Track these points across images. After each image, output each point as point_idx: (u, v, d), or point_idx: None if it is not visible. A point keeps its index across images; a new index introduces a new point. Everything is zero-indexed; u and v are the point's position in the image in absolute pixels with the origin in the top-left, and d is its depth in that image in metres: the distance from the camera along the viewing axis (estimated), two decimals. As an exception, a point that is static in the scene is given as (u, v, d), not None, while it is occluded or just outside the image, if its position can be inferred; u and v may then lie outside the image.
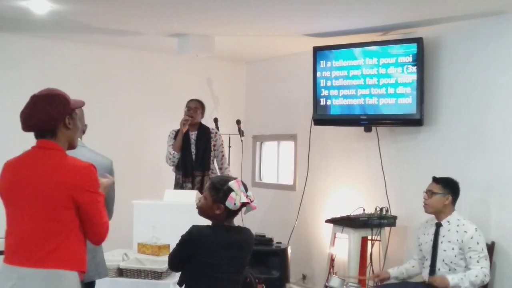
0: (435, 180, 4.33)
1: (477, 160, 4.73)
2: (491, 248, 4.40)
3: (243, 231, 3.09)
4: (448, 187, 4.28)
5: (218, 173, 5.65)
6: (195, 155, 5.61)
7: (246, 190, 2.98)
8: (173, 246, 4.40)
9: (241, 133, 6.28)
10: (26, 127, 2.57)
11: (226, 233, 2.96)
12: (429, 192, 4.29)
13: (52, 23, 5.18)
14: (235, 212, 2.99)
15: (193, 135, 5.65)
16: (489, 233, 4.50)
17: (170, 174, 5.78)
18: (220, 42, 5.75)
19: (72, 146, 2.67)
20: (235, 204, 2.90)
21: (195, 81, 6.87)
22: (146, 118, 6.53)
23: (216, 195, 2.95)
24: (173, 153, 5.57)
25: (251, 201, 2.96)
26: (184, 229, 4.59)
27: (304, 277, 6.25)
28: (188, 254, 2.94)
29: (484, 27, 4.70)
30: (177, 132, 5.64)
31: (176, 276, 4.13)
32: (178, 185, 5.60)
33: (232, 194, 2.91)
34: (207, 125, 5.81)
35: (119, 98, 6.36)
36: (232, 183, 2.95)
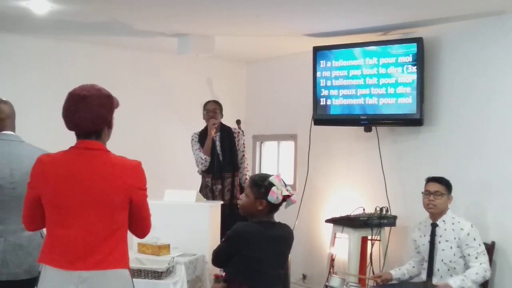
0: (438, 180, 4.29)
1: (477, 160, 4.73)
2: (491, 248, 4.40)
3: (285, 227, 3.24)
4: (449, 186, 4.30)
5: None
6: (222, 157, 5.61)
7: (285, 185, 3.10)
8: (173, 246, 4.44)
9: (241, 133, 6.28)
10: (75, 127, 2.49)
11: (270, 229, 3.09)
12: (437, 193, 4.25)
13: (52, 23, 5.18)
14: (276, 207, 3.11)
15: (216, 136, 5.65)
16: (489, 233, 4.50)
17: (170, 174, 5.78)
18: (220, 42, 5.75)
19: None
20: (277, 197, 3.02)
21: (195, 81, 6.87)
22: (146, 118, 6.53)
23: (258, 191, 3.08)
24: (205, 158, 5.54)
25: (292, 195, 3.07)
26: (184, 229, 4.61)
27: (304, 277, 6.25)
28: (234, 250, 3.02)
29: (484, 27, 4.70)
30: (200, 135, 5.64)
31: (176, 276, 4.15)
32: (207, 188, 5.56)
33: (274, 189, 3.05)
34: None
35: (119, 98, 6.30)
36: (272, 178, 3.09)
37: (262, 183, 3.09)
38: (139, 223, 2.60)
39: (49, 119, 5.39)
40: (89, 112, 2.48)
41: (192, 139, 5.69)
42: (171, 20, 5.11)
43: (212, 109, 5.66)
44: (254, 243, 3.02)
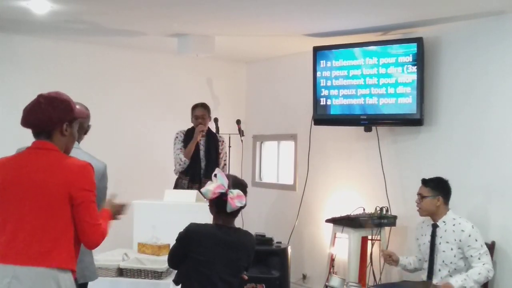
0: (424, 182, 4.33)
1: (477, 160, 4.73)
2: (491, 248, 4.40)
3: (242, 233, 3.08)
4: (438, 188, 4.28)
5: None
6: (206, 163, 5.59)
7: (236, 188, 2.95)
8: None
9: (241, 133, 6.28)
10: (24, 122, 2.59)
11: (222, 232, 2.96)
12: (419, 196, 4.29)
13: (52, 23, 5.18)
14: (221, 209, 2.94)
15: (201, 140, 5.63)
16: (489, 233, 4.50)
17: (170, 174, 5.77)
18: (220, 42, 5.75)
19: (65, 153, 2.66)
20: (204, 191, 2.94)
21: (195, 81, 6.87)
22: (146, 118, 6.53)
23: None
24: (184, 160, 5.53)
25: (226, 195, 2.91)
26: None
27: (304, 277, 6.25)
28: (184, 250, 2.94)
29: (484, 27, 4.70)
30: (185, 134, 5.62)
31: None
32: (182, 189, 5.55)
33: (209, 182, 2.96)
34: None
35: (119, 98, 6.36)
36: (217, 174, 2.98)
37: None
38: (82, 228, 2.53)
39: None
40: (37, 108, 2.56)
41: (176, 137, 5.66)
42: (171, 20, 5.11)
43: (201, 115, 5.60)
44: (204, 246, 2.92)
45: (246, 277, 3.13)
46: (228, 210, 2.94)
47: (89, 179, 2.57)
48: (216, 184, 2.92)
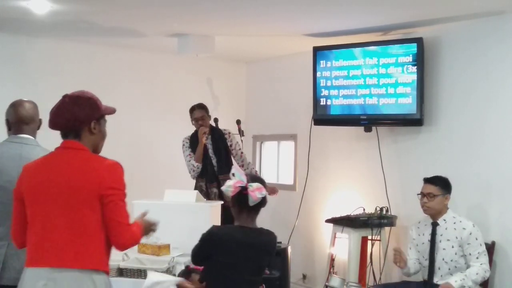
0: (432, 182, 4.31)
1: (477, 160, 4.73)
2: (491, 247, 4.41)
3: (264, 233, 3.11)
4: (446, 187, 4.29)
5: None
6: (217, 160, 5.53)
7: (255, 180, 2.99)
8: (173, 246, 4.43)
9: (241, 133, 6.27)
10: (52, 124, 2.58)
11: (244, 234, 2.99)
12: (430, 195, 4.27)
13: (52, 23, 5.18)
14: (244, 205, 2.97)
15: (208, 140, 5.59)
16: (490, 233, 4.50)
17: (170, 174, 5.78)
18: (220, 42, 5.75)
19: (95, 151, 2.65)
20: (225, 188, 2.95)
21: (195, 81, 6.87)
22: (146, 118, 6.53)
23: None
24: (197, 165, 5.47)
25: (246, 188, 2.94)
26: (184, 229, 4.60)
27: (304, 277, 6.25)
28: (207, 252, 2.98)
29: (484, 27, 4.70)
30: (191, 140, 5.58)
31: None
32: (202, 192, 5.43)
33: (228, 180, 2.97)
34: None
35: (119, 98, 6.33)
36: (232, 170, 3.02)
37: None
38: (113, 228, 2.51)
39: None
40: (63, 109, 2.56)
41: (183, 145, 5.61)
42: (171, 20, 5.10)
43: (200, 116, 5.54)
44: (226, 248, 2.94)
45: (268, 272, 3.17)
46: (251, 203, 2.96)
47: (118, 178, 2.54)
48: (235, 180, 2.95)
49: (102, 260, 2.53)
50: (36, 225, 2.51)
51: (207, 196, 5.46)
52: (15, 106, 3.37)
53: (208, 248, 2.98)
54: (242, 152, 5.69)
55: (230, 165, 5.48)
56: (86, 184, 2.48)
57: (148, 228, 2.82)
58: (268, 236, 3.12)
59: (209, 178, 5.51)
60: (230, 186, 2.95)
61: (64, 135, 2.59)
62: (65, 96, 2.59)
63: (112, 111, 2.71)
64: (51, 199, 2.49)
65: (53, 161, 2.56)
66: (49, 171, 2.53)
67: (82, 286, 2.44)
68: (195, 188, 5.58)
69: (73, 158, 2.54)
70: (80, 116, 2.55)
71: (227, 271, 2.94)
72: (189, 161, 5.52)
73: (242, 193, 2.95)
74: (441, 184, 4.29)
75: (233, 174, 3.00)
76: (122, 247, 2.60)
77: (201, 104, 5.67)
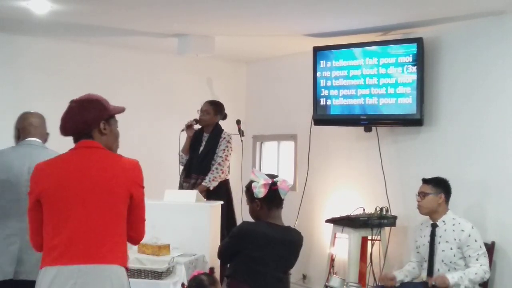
0: (425, 181, 4.34)
1: (477, 160, 4.73)
2: (491, 248, 4.40)
3: (292, 231, 3.17)
4: (439, 186, 4.29)
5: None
6: (201, 161, 5.54)
7: (274, 177, 3.03)
8: (173, 246, 4.44)
9: (241, 133, 6.28)
10: (63, 130, 2.60)
11: (276, 231, 3.03)
12: (422, 194, 4.30)
13: (52, 23, 5.18)
14: (275, 203, 3.02)
15: (205, 137, 5.62)
16: (489, 233, 4.50)
17: (170, 175, 5.78)
18: (220, 42, 5.75)
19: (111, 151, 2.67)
20: (258, 190, 2.97)
21: (195, 81, 6.87)
22: (146, 118, 6.52)
23: (249, 194, 3.06)
24: (181, 155, 5.59)
25: (275, 183, 2.98)
26: (184, 229, 4.60)
27: (304, 277, 6.25)
28: (237, 248, 3.01)
29: (484, 27, 4.70)
30: (194, 133, 5.65)
31: (176, 276, 4.14)
32: (180, 185, 5.59)
33: (253, 184, 2.99)
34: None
35: (119, 98, 6.24)
36: (250, 176, 3.04)
37: (248, 185, 3.08)
38: (135, 224, 2.58)
39: (49, 119, 5.38)
40: (72, 114, 2.59)
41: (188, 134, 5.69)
42: (171, 20, 5.10)
43: (204, 110, 5.62)
44: (257, 244, 3.00)
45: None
46: (283, 195, 3.06)
47: (142, 176, 2.62)
48: (262, 182, 2.99)
49: (125, 256, 2.59)
50: (61, 224, 2.48)
51: (181, 187, 5.55)
52: (24, 115, 3.55)
53: (239, 243, 3.02)
54: (219, 163, 5.45)
55: (204, 167, 5.48)
56: (118, 183, 2.51)
57: None
58: (297, 235, 3.20)
59: (186, 173, 5.57)
60: (260, 187, 2.98)
61: (76, 140, 2.61)
62: (72, 101, 2.62)
63: (120, 110, 2.71)
64: (77, 197, 2.48)
65: (74, 159, 2.56)
66: (71, 169, 2.53)
67: (110, 282, 2.46)
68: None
69: (95, 156, 2.56)
70: (88, 118, 2.57)
71: (256, 266, 2.98)
72: (180, 150, 5.63)
73: (271, 189, 2.99)
74: (433, 183, 4.30)
75: (253, 180, 3.04)
76: (138, 242, 2.71)
77: (212, 100, 5.79)
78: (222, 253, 3.15)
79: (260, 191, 2.98)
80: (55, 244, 2.48)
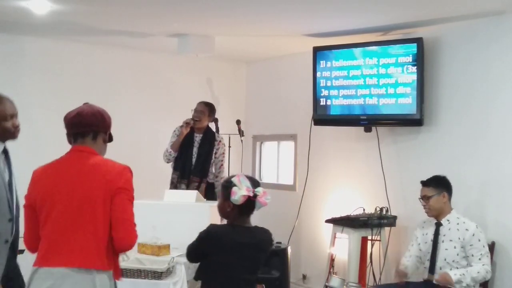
0: (425, 183, 4.33)
1: (476, 160, 4.73)
2: (491, 247, 4.40)
3: (261, 232, 3.12)
4: (440, 185, 4.29)
5: (214, 179, 5.59)
6: (195, 160, 5.55)
7: (256, 186, 3.00)
8: (173, 246, 4.43)
9: (241, 133, 6.28)
10: (79, 119, 2.66)
11: (242, 233, 2.99)
12: (425, 197, 4.29)
13: (52, 23, 5.18)
14: (246, 210, 2.99)
15: (197, 137, 5.61)
16: (489, 233, 4.50)
17: (170, 174, 5.76)
18: (220, 42, 5.75)
19: None
20: (236, 198, 2.93)
21: (195, 81, 6.87)
22: (146, 118, 6.53)
23: (225, 192, 3.01)
24: (170, 151, 5.57)
25: (255, 196, 2.95)
26: (184, 229, 4.59)
27: (304, 277, 6.25)
28: (203, 250, 2.98)
29: (484, 27, 4.70)
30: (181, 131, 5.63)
31: (176, 276, 4.15)
32: (173, 185, 5.56)
33: (234, 189, 2.95)
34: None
35: (119, 98, 6.35)
36: (233, 178, 2.99)
37: (228, 184, 3.02)
38: (115, 223, 2.57)
39: (49, 118, 5.39)
40: (94, 111, 2.74)
41: (174, 131, 5.69)
42: (171, 20, 5.11)
43: (200, 110, 5.61)
44: (224, 249, 2.95)
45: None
46: (257, 209, 3.01)
47: (127, 180, 2.63)
48: (244, 188, 2.95)
49: (106, 260, 2.58)
50: (48, 227, 2.57)
51: (173, 186, 5.55)
52: None
53: (205, 247, 2.98)
54: (222, 165, 5.63)
55: (205, 171, 5.50)
56: (96, 185, 2.55)
57: None
58: (263, 234, 3.13)
59: (182, 174, 5.55)
60: (240, 196, 2.95)
61: (81, 136, 2.67)
62: (86, 104, 2.75)
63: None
64: (64, 200, 2.56)
65: (65, 164, 2.64)
66: (61, 174, 2.61)
67: (86, 285, 2.50)
68: (170, 179, 5.64)
69: (86, 160, 2.62)
70: (105, 123, 2.72)
71: (223, 270, 2.95)
72: (167, 146, 5.61)
73: (250, 199, 2.96)
74: (433, 183, 4.29)
75: (237, 181, 2.99)
76: (127, 245, 2.64)
77: (207, 102, 5.77)
78: (190, 254, 3.13)
79: (238, 199, 2.96)
80: (39, 247, 2.59)
